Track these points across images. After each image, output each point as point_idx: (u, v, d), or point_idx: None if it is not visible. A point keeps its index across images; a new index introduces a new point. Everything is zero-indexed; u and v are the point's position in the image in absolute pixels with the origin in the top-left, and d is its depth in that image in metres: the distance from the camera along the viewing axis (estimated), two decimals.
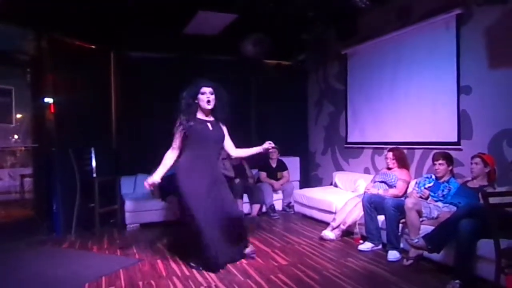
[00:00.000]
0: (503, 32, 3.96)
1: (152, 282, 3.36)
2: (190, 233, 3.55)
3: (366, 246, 4.18)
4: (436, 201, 3.97)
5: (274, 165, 6.52)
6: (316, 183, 7.08)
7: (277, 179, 6.43)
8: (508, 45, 3.91)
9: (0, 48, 4.70)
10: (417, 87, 4.98)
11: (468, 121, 4.34)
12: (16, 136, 5.52)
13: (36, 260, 4.03)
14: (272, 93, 7.09)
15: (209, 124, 3.69)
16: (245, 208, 5.95)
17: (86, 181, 5.14)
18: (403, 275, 3.43)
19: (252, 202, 6.01)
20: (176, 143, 3.68)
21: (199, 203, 3.47)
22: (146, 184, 3.63)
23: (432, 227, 3.49)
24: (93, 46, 5.71)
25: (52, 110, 5.07)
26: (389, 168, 4.75)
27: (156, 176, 3.63)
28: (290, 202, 6.32)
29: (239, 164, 6.20)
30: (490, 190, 3.57)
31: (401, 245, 3.95)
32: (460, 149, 4.40)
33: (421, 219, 3.78)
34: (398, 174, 4.62)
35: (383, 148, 5.39)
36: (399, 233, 3.98)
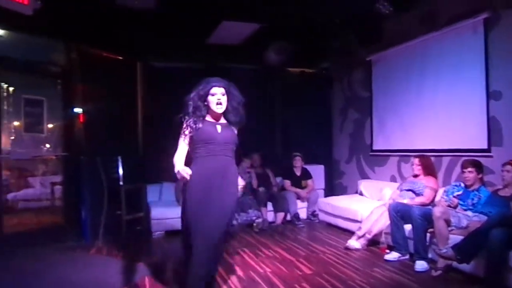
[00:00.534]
0: None
1: None
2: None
3: (393, 256, 4.10)
4: (465, 210, 3.86)
5: (298, 174, 6.50)
6: (341, 191, 7.00)
7: (302, 188, 6.40)
8: None
9: (32, 59, 4.90)
10: (444, 93, 4.89)
11: (499, 127, 4.22)
12: (47, 145, 5.69)
13: (63, 266, 4.12)
14: (297, 101, 7.09)
15: (218, 126, 3.18)
16: (270, 216, 5.96)
17: (113, 189, 5.26)
18: (431, 286, 3.35)
19: (276, 210, 6.00)
20: (181, 149, 3.21)
21: (200, 225, 2.94)
22: (186, 174, 2.98)
23: (462, 237, 3.41)
24: (120, 57, 5.88)
25: (82, 120, 5.24)
26: (415, 176, 4.66)
27: (182, 166, 3.11)
28: (315, 211, 6.27)
29: (263, 173, 6.22)
30: None
31: (429, 255, 3.84)
32: (490, 156, 4.27)
33: (449, 229, 3.68)
34: (425, 182, 4.53)
35: (409, 156, 5.28)
36: (427, 243, 3.88)
